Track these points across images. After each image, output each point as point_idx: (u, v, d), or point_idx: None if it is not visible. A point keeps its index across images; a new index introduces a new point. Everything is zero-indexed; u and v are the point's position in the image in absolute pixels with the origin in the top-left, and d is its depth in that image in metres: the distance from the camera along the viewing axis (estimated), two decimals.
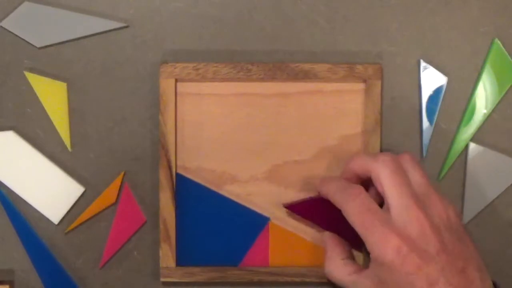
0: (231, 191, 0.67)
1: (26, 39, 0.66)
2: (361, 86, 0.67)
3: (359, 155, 0.62)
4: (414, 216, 0.57)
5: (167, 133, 0.66)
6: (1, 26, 0.66)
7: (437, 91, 0.68)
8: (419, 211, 0.57)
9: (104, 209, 0.68)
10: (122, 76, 0.67)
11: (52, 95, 0.67)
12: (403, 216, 0.57)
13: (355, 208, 0.59)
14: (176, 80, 0.66)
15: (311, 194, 0.67)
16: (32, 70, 0.67)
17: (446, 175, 0.68)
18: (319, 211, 0.65)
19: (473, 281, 0.56)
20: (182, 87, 0.67)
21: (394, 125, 0.68)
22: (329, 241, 0.65)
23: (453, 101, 0.68)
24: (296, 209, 0.66)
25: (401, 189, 0.58)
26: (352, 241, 0.64)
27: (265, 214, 0.67)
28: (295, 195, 0.67)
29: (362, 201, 0.58)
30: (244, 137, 0.67)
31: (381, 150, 0.67)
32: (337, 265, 0.63)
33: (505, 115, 0.68)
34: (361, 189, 0.60)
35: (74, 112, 0.67)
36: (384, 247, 0.56)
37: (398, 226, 0.57)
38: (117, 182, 0.67)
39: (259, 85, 0.67)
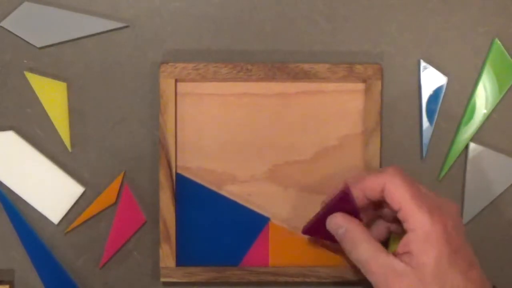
0: (231, 191, 0.67)
1: (26, 39, 0.66)
2: (361, 86, 0.67)
3: (362, 174, 0.61)
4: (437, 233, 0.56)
5: (167, 133, 0.66)
6: (1, 26, 0.66)
7: (437, 91, 0.68)
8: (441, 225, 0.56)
9: (104, 209, 0.68)
10: (122, 76, 0.67)
11: (52, 95, 0.67)
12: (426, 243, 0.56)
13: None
14: (176, 80, 0.66)
15: (311, 194, 0.67)
16: (32, 70, 0.67)
17: (446, 175, 0.68)
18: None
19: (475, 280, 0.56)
20: (182, 87, 0.67)
21: (394, 125, 0.68)
22: (358, 228, 0.60)
23: (453, 101, 0.68)
24: (309, 232, 0.65)
25: (420, 201, 0.57)
26: None
27: (265, 214, 0.67)
28: (295, 195, 0.67)
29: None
30: (244, 137, 0.67)
31: (381, 150, 0.67)
32: (373, 246, 0.59)
33: (505, 115, 0.68)
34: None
35: (74, 112, 0.67)
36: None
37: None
38: (117, 182, 0.67)
39: (259, 85, 0.67)
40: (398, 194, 0.57)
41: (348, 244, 0.59)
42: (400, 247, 0.57)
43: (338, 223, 0.60)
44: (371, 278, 0.57)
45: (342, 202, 0.61)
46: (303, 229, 0.65)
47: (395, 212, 0.58)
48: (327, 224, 0.61)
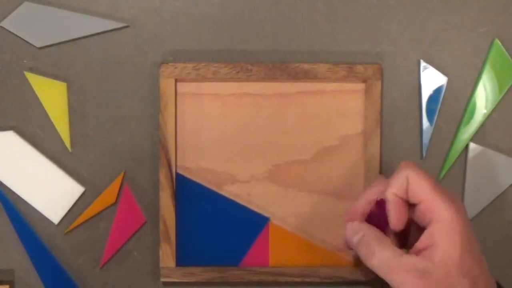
0: (231, 191, 0.67)
1: (26, 39, 0.66)
2: (361, 86, 0.67)
3: (380, 177, 0.61)
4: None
5: (167, 133, 0.66)
6: (1, 26, 0.66)
7: (437, 91, 0.68)
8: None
9: (104, 209, 0.68)
10: (122, 76, 0.67)
11: (52, 95, 0.67)
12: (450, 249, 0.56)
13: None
14: (176, 80, 0.66)
15: (311, 194, 0.67)
16: (32, 70, 0.67)
17: (446, 175, 0.68)
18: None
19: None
20: (182, 87, 0.67)
21: (394, 125, 0.68)
22: (375, 233, 0.59)
23: (453, 101, 0.68)
24: None
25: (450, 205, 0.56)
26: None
27: (265, 214, 0.67)
28: (295, 195, 0.67)
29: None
30: (244, 137, 0.67)
31: (381, 150, 0.67)
32: (392, 250, 0.58)
33: (505, 115, 0.68)
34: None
35: (74, 112, 0.67)
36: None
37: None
38: (117, 182, 0.67)
39: (259, 85, 0.67)
40: (422, 187, 0.56)
41: (365, 250, 0.58)
42: (422, 242, 0.56)
43: (355, 228, 0.60)
44: (393, 282, 0.56)
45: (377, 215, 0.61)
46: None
47: (413, 209, 0.58)
48: (345, 233, 0.61)
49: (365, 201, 0.61)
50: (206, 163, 0.67)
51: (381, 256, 0.57)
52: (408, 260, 0.56)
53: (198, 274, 0.67)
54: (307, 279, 0.67)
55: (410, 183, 0.57)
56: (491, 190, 0.68)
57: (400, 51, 0.68)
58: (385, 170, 0.67)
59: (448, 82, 0.68)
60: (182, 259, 0.67)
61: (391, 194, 0.58)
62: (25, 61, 0.67)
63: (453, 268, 0.55)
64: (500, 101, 0.68)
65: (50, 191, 0.67)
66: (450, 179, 0.68)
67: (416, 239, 0.57)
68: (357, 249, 0.59)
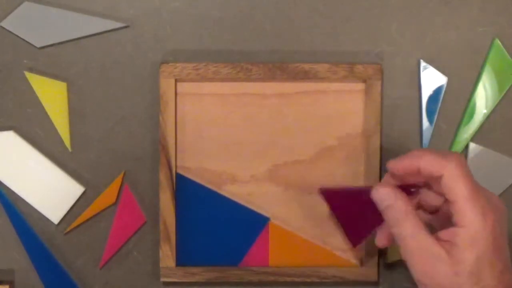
0: (231, 191, 0.67)
1: (26, 39, 0.66)
2: (361, 86, 0.67)
3: (425, 152, 0.58)
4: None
5: (167, 133, 0.66)
6: (1, 26, 0.66)
7: (437, 91, 0.68)
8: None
9: (104, 209, 0.68)
10: (122, 76, 0.67)
11: (52, 95, 0.67)
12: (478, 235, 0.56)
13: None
14: (176, 80, 0.66)
15: (311, 194, 0.67)
16: (32, 70, 0.67)
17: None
18: (347, 203, 0.62)
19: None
20: (182, 87, 0.67)
21: (394, 125, 0.68)
22: (404, 203, 0.58)
23: (453, 101, 0.68)
24: (327, 195, 0.63)
25: (478, 200, 0.56)
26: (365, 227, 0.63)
27: (265, 214, 0.67)
28: (295, 195, 0.67)
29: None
30: (244, 137, 0.67)
31: (381, 150, 0.67)
32: (417, 224, 0.57)
33: (505, 115, 0.68)
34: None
35: (74, 112, 0.67)
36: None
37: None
38: (117, 182, 0.67)
39: (259, 85, 0.67)
40: (457, 188, 0.56)
41: (391, 218, 0.58)
42: (444, 234, 0.56)
43: (386, 194, 0.58)
44: (407, 256, 0.56)
45: (336, 201, 0.61)
46: (322, 189, 0.63)
47: (443, 198, 0.57)
48: (373, 193, 0.59)
49: (405, 167, 0.59)
50: (206, 163, 0.67)
51: (403, 228, 0.57)
52: (426, 240, 0.56)
53: (198, 274, 0.67)
54: (307, 279, 0.67)
55: (446, 179, 0.56)
56: (491, 190, 0.67)
57: (400, 51, 0.68)
58: (385, 170, 0.67)
59: (448, 82, 0.68)
60: (182, 259, 0.67)
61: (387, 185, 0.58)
62: (25, 61, 0.67)
63: (464, 272, 0.55)
64: (500, 101, 0.68)
65: (50, 191, 0.67)
66: None
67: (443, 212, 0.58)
68: (384, 215, 0.58)
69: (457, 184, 0.56)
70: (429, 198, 0.60)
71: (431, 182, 0.58)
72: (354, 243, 0.63)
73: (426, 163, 0.57)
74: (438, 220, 0.60)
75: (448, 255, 0.55)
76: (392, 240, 0.59)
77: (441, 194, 0.58)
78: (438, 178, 0.56)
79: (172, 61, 0.67)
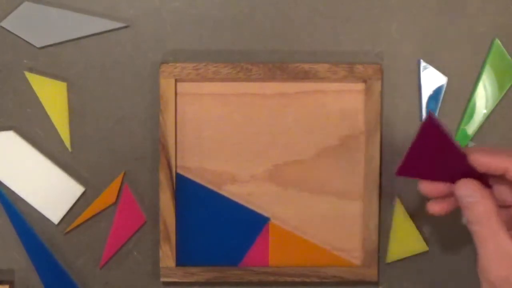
0: (231, 191, 0.67)
1: (26, 39, 0.66)
2: (361, 86, 0.67)
3: (490, 150, 0.56)
4: None
5: (167, 133, 0.66)
6: (1, 26, 0.66)
7: (437, 91, 0.68)
8: None
9: (104, 209, 0.68)
10: (122, 76, 0.67)
11: (52, 95, 0.67)
12: None
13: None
14: (176, 80, 0.66)
15: (311, 194, 0.67)
16: (32, 70, 0.67)
17: None
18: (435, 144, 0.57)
19: None
20: (182, 87, 0.67)
21: (394, 125, 0.68)
22: (488, 202, 0.56)
23: (453, 101, 0.68)
24: (405, 172, 0.59)
25: None
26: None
27: (265, 214, 0.67)
28: (295, 195, 0.67)
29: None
30: (244, 137, 0.67)
31: (381, 150, 0.67)
32: (498, 224, 0.55)
33: (505, 115, 0.68)
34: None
35: (74, 112, 0.67)
36: None
37: None
38: (117, 182, 0.67)
39: (259, 85, 0.67)
40: None
41: (474, 215, 0.56)
42: None
43: (469, 191, 0.56)
44: (484, 257, 0.55)
45: (430, 136, 0.56)
46: (399, 169, 0.58)
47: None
48: (456, 189, 0.57)
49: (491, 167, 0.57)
50: (206, 163, 0.67)
51: (484, 227, 0.55)
52: (505, 241, 0.54)
53: (198, 274, 0.67)
54: (307, 279, 0.67)
55: None
56: None
57: (400, 51, 0.68)
58: (385, 170, 0.67)
59: (448, 82, 0.68)
60: (182, 259, 0.67)
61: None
62: (25, 61, 0.67)
63: None
64: (500, 101, 0.68)
65: (50, 191, 0.67)
66: None
67: None
68: (464, 210, 0.56)
69: None
70: (505, 194, 0.58)
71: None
72: (400, 172, 0.58)
73: (492, 160, 0.55)
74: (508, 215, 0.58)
75: None
76: (446, 211, 0.58)
77: None
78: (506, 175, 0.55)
79: (172, 61, 0.67)
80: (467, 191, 0.56)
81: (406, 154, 0.57)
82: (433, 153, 0.57)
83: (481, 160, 0.56)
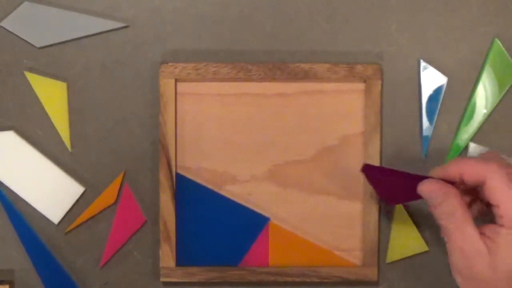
0: (231, 191, 0.67)
1: (26, 39, 0.66)
2: (361, 86, 0.67)
3: (467, 159, 0.59)
4: None
5: (167, 133, 0.66)
6: (1, 26, 0.66)
7: (437, 91, 0.68)
8: None
9: (104, 209, 0.68)
10: (122, 76, 0.67)
11: (52, 95, 0.67)
12: None
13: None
14: (176, 80, 0.66)
15: (311, 194, 0.67)
16: (32, 70, 0.67)
17: None
18: (389, 183, 0.62)
19: None
20: (182, 87, 0.67)
21: (394, 125, 0.68)
22: (454, 200, 0.58)
23: (453, 101, 0.68)
24: (370, 172, 0.62)
25: None
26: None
27: (265, 214, 0.67)
28: (295, 195, 0.67)
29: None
30: (244, 137, 0.67)
31: (381, 150, 0.67)
32: (465, 218, 0.57)
33: (505, 115, 0.68)
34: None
35: (74, 112, 0.67)
36: None
37: None
38: (117, 182, 0.67)
39: (259, 85, 0.67)
40: (501, 192, 0.56)
41: (437, 213, 0.58)
42: (488, 229, 0.56)
43: (432, 192, 0.58)
44: (451, 248, 0.57)
45: (375, 176, 0.62)
46: (366, 166, 0.62)
47: (489, 202, 0.57)
48: (420, 187, 0.59)
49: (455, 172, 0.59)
50: (206, 163, 0.67)
51: (451, 222, 0.57)
52: (472, 235, 0.56)
53: (198, 274, 0.67)
54: (307, 279, 0.67)
55: (489, 186, 0.56)
56: None
57: (400, 51, 0.68)
58: None
59: (448, 82, 0.68)
60: (182, 259, 0.67)
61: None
62: (25, 61, 0.67)
63: (502, 271, 0.55)
64: (500, 101, 0.68)
65: (50, 191, 0.67)
66: None
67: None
68: (433, 210, 0.59)
69: (501, 189, 0.56)
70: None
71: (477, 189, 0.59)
72: (389, 203, 0.65)
73: (469, 168, 0.57)
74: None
75: (488, 252, 0.56)
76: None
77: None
78: (481, 184, 0.57)
79: (172, 61, 0.67)
80: (430, 193, 0.58)
81: (381, 198, 0.64)
82: (389, 185, 0.61)
83: (438, 173, 0.59)
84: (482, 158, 0.59)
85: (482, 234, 0.56)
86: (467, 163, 0.58)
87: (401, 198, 0.63)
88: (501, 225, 0.56)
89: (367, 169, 0.62)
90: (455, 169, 0.58)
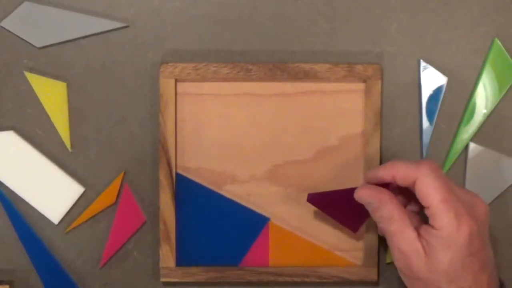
0: (231, 191, 0.67)
1: (26, 39, 0.66)
2: (361, 86, 0.67)
3: (399, 162, 0.60)
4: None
5: (167, 133, 0.66)
6: (1, 26, 0.66)
7: (437, 91, 0.68)
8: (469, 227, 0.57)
9: (104, 209, 0.68)
10: (122, 76, 0.67)
11: (52, 95, 0.67)
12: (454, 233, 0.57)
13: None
14: (176, 80, 0.66)
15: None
16: (32, 70, 0.67)
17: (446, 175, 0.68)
18: (336, 204, 0.64)
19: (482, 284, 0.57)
20: (182, 87, 0.67)
21: (394, 125, 0.68)
22: (390, 202, 0.59)
23: (453, 101, 0.68)
24: (316, 200, 0.64)
25: (451, 204, 0.57)
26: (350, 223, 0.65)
27: (265, 214, 0.67)
28: (295, 195, 0.67)
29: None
30: (244, 137, 0.67)
31: (381, 150, 0.67)
32: (404, 221, 0.59)
33: (505, 115, 0.68)
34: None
35: (74, 112, 0.67)
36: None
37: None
38: (117, 182, 0.67)
39: (259, 85, 0.67)
40: (429, 193, 0.57)
41: (377, 217, 0.60)
42: (424, 230, 0.58)
43: (369, 195, 0.60)
44: (393, 250, 0.59)
45: (322, 203, 0.64)
46: (310, 196, 0.64)
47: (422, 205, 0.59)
48: (356, 194, 0.61)
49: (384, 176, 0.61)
50: (206, 163, 0.67)
51: (390, 225, 0.59)
52: (411, 237, 0.58)
53: (198, 274, 0.67)
54: (307, 279, 0.67)
55: (419, 186, 0.58)
56: (491, 190, 0.68)
57: (400, 51, 0.68)
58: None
59: (448, 82, 0.68)
60: (182, 259, 0.67)
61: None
62: (25, 61, 0.67)
63: (439, 272, 0.57)
64: (500, 101, 0.68)
65: (50, 191, 0.67)
66: None
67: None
68: (372, 214, 0.61)
69: (429, 190, 0.57)
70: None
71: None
72: (354, 230, 0.65)
73: (400, 172, 0.59)
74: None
75: (425, 252, 0.57)
76: None
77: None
78: (413, 186, 0.58)
79: (172, 61, 0.67)
80: (366, 198, 0.60)
81: (341, 223, 0.65)
82: (346, 208, 0.63)
83: (370, 176, 0.61)
84: (415, 161, 0.60)
85: (419, 234, 0.58)
86: (398, 166, 0.59)
87: (357, 218, 0.64)
88: (432, 226, 0.57)
89: (312, 199, 0.64)
90: (387, 172, 0.60)
